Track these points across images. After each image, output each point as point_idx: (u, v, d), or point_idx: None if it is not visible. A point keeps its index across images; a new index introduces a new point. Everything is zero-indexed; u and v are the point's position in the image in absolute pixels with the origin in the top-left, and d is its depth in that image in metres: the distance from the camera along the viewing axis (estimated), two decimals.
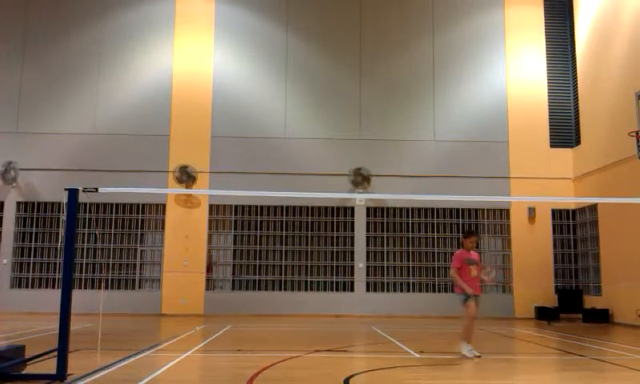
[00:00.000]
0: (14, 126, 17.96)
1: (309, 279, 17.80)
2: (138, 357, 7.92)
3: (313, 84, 18.54)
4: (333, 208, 18.12)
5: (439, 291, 17.79)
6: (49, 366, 5.96)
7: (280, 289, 17.70)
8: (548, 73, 18.81)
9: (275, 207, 18.02)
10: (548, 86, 18.75)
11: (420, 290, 17.77)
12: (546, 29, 18.97)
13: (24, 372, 6.20)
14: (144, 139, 17.91)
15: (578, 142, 18.20)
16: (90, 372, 6.36)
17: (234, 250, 17.94)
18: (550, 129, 18.55)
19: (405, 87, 18.62)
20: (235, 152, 17.96)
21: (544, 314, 16.84)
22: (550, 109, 18.66)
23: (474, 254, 8.71)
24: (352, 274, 17.80)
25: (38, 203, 17.82)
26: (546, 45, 18.91)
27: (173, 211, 17.83)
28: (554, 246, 18.12)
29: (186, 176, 17.64)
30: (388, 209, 18.15)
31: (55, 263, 17.45)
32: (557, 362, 8.70)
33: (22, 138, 17.90)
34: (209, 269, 17.73)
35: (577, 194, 17.84)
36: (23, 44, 18.36)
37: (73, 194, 6.12)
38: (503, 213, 18.29)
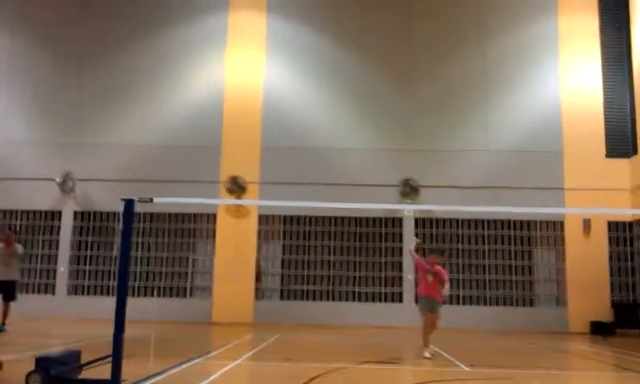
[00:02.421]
0: (72, 137, 18.55)
1: (357, 290, 17.75)
2: (189, 364, 8.05)
3: (361, 95, 18.55)
4: (381, 219, 18.05)
5: (489, 304, 17.48)
6: (103, 372, 6.11)
7: (328, 299, 17.70)
8: (604, 81, 18.33)
9: (323, 218, 18.07)
10: (604, 94, 18.27)
11: (470, 303, 17.50)
12: (601, 37, 18.50)
13: (80, 377, 6.37)
14: (196, 151, 18.25)
15: (634, 151, 17.64)
16: (142, 378, 6.50)
17: (283, 260, 18.06)
18: (605, 138, 18.05)
19: (454, 97, 18.44)
20: (284, 163, 18.11)
21: (599, 329, 16.35)
22: (605, 118, 18.17)
23: (437, 268, 9.68)
24: (400, 285, 17.67)
25: (94, 213, 18.34)
26: (602, 53, 18.44)
27: (223, 221, 18.08)
28: (610, 259, 17.58)
29: (237, 187, 17.87)
30: (437, 220, 17.97)
31: (110, 271, 17.90)
32: (613, 379, 8.44)
33: (79, 149, 18.47)
34: (258, 278, 17.89)
35: (634, 205, 17.27)
36: (80, 58, 18.98)
37: (129, 204, 6.27)
38: (557, 225, 17.87)
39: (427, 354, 9.46)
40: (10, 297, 12.25)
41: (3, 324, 11.96)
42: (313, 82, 18.70)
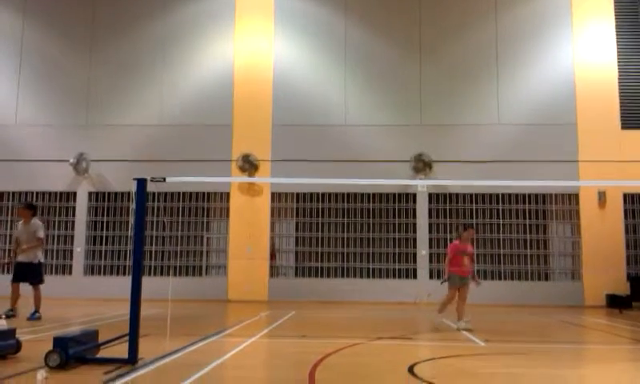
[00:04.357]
0: (84, 119, 18.62)
1: (371, 266, 17.77)
2: (205, 342, 8.11)
3: (373, 70, 18.41)
4: (394, 195, 18.00)
5: (504, 279, 17.45)
6: (121, 351, 6.16)
7: (342, 276, 17.75)
8: (618, 52, 18.04)
9: (336, 194, 18.05)
10: (618, 65, 17.99)
11: (485, 278, 17.40)
12: (615, 6, 18.17)
13: (98, 356, 6.44)
14: (208, 129, 18.25)
15: None
16: (159, 356, 6.56)
17: (297, 237, 18.10)
18: (620, 110, 17.82)
19: (467, 70, 18.24)
20: (296, 140, 18.06)
21: (615, 302, 16.26)
22: (620, 89, 17.91)
23: (470, 247, 10.61)
24: (414, 262, 17.67)
25: (109, 193, 18.45)
26: (616, 23, 18.13)
27: (236, 199, 18.12)
28: (626, 232, 17.44)
29: (249, 164, 17.87)
30: (451, 195, 17.89)
31: (125, 251, 18.02)
32: (630, 351, 8.40)
33: (91, 130, 18.54)
34: (272, 256, 17.95)
35: None
36: (90, 39, 18.97)
37: (141, 183, 6.28)
38: (572, 198, 17.73)
39: (463, 325, 10.02)
40: (35, 280, 11.03)
41: (11, 309, 10.90)
42: (324, 57, 18.57)
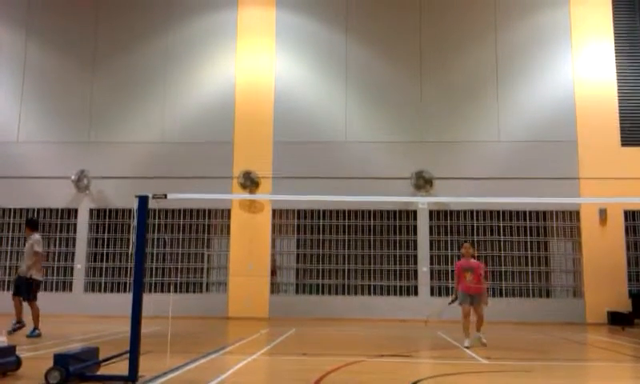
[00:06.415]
0: (86, 135, 18.69)
1: (372, 283, 17.74)
2: (206, 359, 8.09)
3: (373, 88, 18.50)
4: (395, 212, 18.01)
5: (506, 296, 17.41)
6: (121, 368, 6.16)
7: (343, 293, 17.71)
8: (617, 69, 18.14)
9: (337, 211, 18.06)
10: (617, 83, 18.08)
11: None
12: (614, 22, 18.31)
13: (98, 373, 6.43)
14: (209, 146, 18.31)
15: None
16: (160, 373, 6.54)
17: (298, 254, 18.09)
18: (620, 127, 17.88)
19: (467, 88, 18.33)
20: (297, 157, 18.11)
21: (617, 320, 16.21)
22: (620, 107, 17.98)
23: (472, 262, 10.61)
24: (416, 278, 17.65)
25: (110, 210, 18.47)
26: (615, 41, 18.25)
27: (237, 216, 18.13)
28: (627, 249, 17.42)
29: (250, 181, 17.90)
30: (451, 212, 17.90)
31: (126, 268, 18.01)
32: (632, 369, 8.37)
33: (93, 147, 18.60)
34: (273, 273, 17.94)
35: None
36: (93, 56, 19.10)
37: (143, 200, 6.31)
38: (573, 215, 17.74)
39: (466, 344, 10.11)
40: (24, 296, 11.06)
41: (17, 322, 11.04)
42: (324, 75, 18.67)
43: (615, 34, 18.27)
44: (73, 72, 19.07)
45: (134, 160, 18.33)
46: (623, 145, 17.79)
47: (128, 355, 6.10)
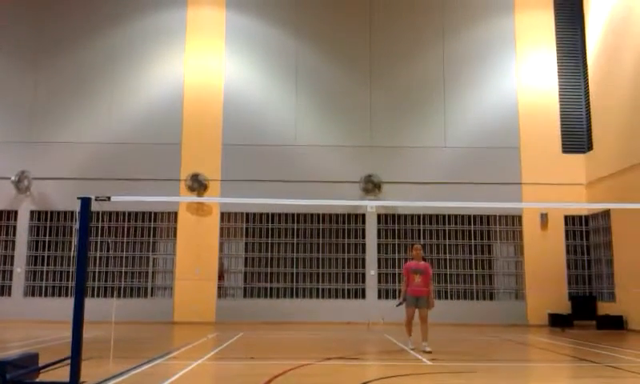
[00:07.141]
0: (27, 135, 18.13)
1: (320, 287, 17.79)
2: (150, 365, 7.95)
3: (323, 92, 18.58)
4: (344, 215, 18.11)
5: (450, 298, 17.72)
6: (62, 374, 5.99)
7: (291, 296, 17.70)
8: (559, 78, 18.76)
9: (286, 215, 18.05)
10: (559, 91, 18.70)
11: None
12: (556, 34, 18.93)
13: (37, 380, 6.24)
14: (156, 148, 18.02)
15: (590, 147, 18.10)
16: (102, 380, 6.39)
17: (246, 258, 17.98)
18: (561, 134, 18.48)
19: (415, 94, 18.62)
20: (246, 160, 18.02)
21: (557, 321, 16.72)
22: (561, 114, 18.60)
23: (421, 264, 10.41)
24: (363, 282, 17.78)
25: (51, 212, 17.96)
26: (557, 50, 18.87)
27: (185, 219, 17.90)
28: (567, 253, 18.01)
29: (198, 184, 17.71)
30: (399, 216, 18.12)
31: (68, 272, 17.54)
32: (571, 369, 8.63)
33: (35, 147, 18.06)
34: (220, 277, 17.77)
35: (589, 199, 17.73)
36: (35, 54, 18.56)
37: (85, 202, 6.16)
38: (515, 219, 18.21)
39: (411, 345, 10.21)
40: None
41: None
42: (274, 78, 18.64)
43: (557, 44, 18.89)
44: (15, 71, 18.50)
45: (78, 161, 17.89)
46: (564, 151, 18.39)
47: (69, 361, 5.93)
